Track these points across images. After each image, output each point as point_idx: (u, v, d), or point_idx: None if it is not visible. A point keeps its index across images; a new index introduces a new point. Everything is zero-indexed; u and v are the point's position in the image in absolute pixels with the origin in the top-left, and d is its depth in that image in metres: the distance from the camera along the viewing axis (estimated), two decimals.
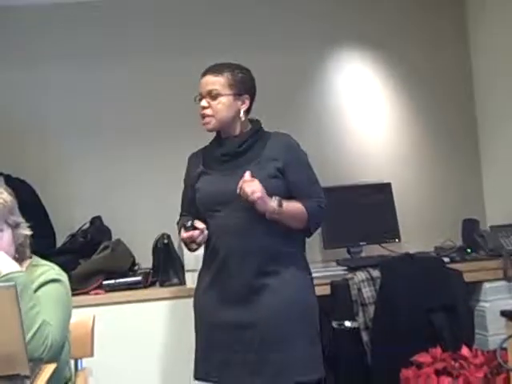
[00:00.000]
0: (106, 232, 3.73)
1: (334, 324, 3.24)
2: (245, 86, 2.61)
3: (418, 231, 3.95)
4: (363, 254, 3.76)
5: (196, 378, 2.65)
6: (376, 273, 3.30)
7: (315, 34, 4.04)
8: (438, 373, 2.94)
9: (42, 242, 2.48)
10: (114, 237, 3.71)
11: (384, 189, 3.93)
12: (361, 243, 3.78)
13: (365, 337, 3.23)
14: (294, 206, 2.54)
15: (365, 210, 3.85)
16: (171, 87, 3.91)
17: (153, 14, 3.99)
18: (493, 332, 3.33)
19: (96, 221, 3.73)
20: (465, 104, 4.17)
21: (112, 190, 3.88)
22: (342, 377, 3.29)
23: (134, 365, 3.23)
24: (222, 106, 2.58)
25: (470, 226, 3.79)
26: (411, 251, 3.52)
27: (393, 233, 3.85)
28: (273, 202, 2.47)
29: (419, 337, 3.13)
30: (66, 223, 3.72)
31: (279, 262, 2.54)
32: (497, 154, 3.99)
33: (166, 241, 3.54)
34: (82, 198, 3.83)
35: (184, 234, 2.52)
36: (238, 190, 2.44)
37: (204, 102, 2.59)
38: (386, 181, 3.96)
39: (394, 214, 3.88)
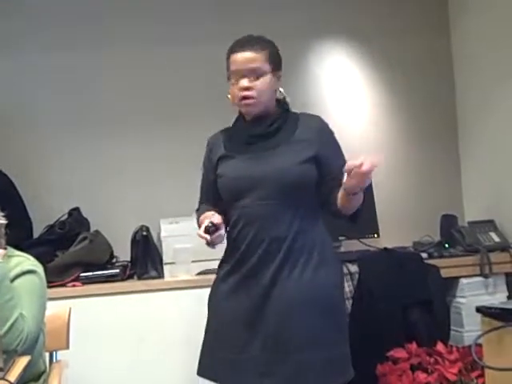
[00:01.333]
0: (84, 223, 3.71)
1: None
2: (279, 61, 2.44)
3: (397, 226, 3.96)
4: (342, 249, 3.77)
5: (199, 374, 2.44)
6: (354, 268, 3.31)
7: (298, 26, 4.02)
8: (413, 368, 2.96)
9: (18, 232, 2.47)
10: (93, 228, 3.69)
11: None
12: (340, 238, 3.79)
13: None
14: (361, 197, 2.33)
15: None
16: (155, 78, 3.91)
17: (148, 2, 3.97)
18: (468, 328, 3.35)
19: (74, 212, 3.71)
20: (445, 100, 4.18)
21: (91, 180, 3.86)
22: None
23: (110, 357, 3.22)
24: (267, 85, 2.36)
25: (448, 222, 3.81)
26: (389, 246, 3.53)
27: (372, 228, 3.85)
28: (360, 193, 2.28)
29: (395, 332, 3.14)
30: (44, 214, 3.69)
31: (310, 252, 2.34)
32: (476, 150, 4.01)
33: (144, 233, 3.52)
34: (61, 189, 3.81)
35: (202, 234, 2.30)
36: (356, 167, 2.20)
37: (245, 82, 2.33)
38: None
39: (373, 209, 3.88)
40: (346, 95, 4.16)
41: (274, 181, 2.32)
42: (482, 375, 2.82)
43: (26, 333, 2.14)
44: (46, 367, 2.42)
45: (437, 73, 4.18)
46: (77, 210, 3.71)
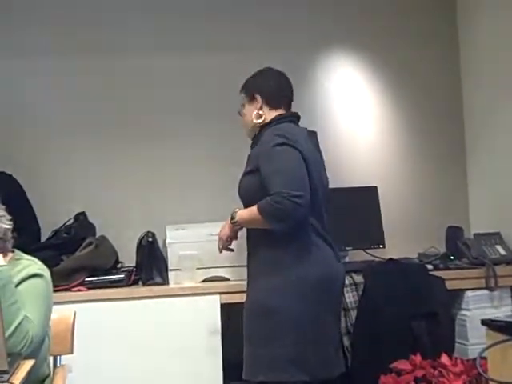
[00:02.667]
0: (90, 228, 3.72)
1: None
2: (253, 86, 2.79)
3: (403, 237, 3.95)
4: (347, 259, 3.76)
5: None
6: (359, 278, 3.30)
7: (306, 39, 4.04)
8: (417, 380, 2.94)
9: (26, 236, 2.47)
10: (99, 233, 3.69)
11: (370, 192, 3.93)
12: (346, 248, 3.78)
13: (346, 341, 3.23)
14: (249, 212, 2.62)
15: (350, 213, 3.85)
16: (162, 83, 3.91)
17: (152, 9, 3.98)
18: (473, 341, 3.34)
19: (80, 217, 3.71)
20: (453, 111, 4.18)
21: (98, 185, 3.86)
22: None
23: (113, 363, 3.21)
24: (244, 118, 2.80)
25: (454, 234, 3.80)
26: (395, 257, 3.53)
27: (377, 239, 3.85)
28: (228, 220, 2.74)
29: (399, 343, 3.13)
30: (51, 218, 3.69)
31: (257, 263, 2.68)
32: (483, 163, 4.00)
33: (150, 239, 3.52)
34: (67, 194, 3.81)
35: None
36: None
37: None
38: (372, 184, 3.97)
39: (379, 220, 3.88)
40: (353, 107, 4.16)
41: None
42: None
43: (31, 336, 2.15)
44: (50, 371, 2.42)
45: (445, 85, 4.18)
46: (83, 214, 3.72)
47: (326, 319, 2.62)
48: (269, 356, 2.54)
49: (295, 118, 2.81)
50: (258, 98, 2.73)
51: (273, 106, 2.75)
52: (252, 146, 2.75)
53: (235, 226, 2.74)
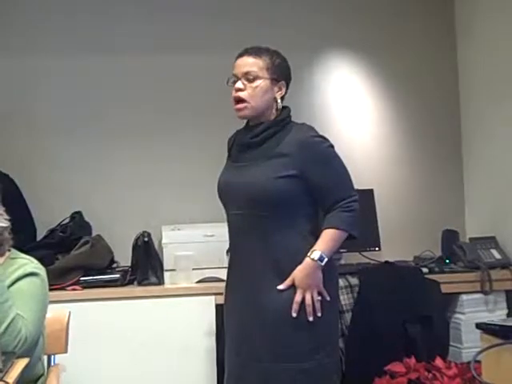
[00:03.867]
0: (86, 227, 3.71)
1: None
2: (282, 71, 2.46)
3: (398, 240, 3.95)
4: (342, 262, 3.76)
5: None
6: (354, 280, 3.31)
7: (303, 40, 4.03)
8: (411, 383, 2.95)
9: (22, 235, 2.46)
10: (94, 233, 3.69)
11: (366, 195, 3.93)
12: (341, 250, 3.78)
13: (340, 343, 3.23)
14: (329, 239, 2.35)
15: None
16: (159, 82, 3.91)
17: (152, 8, 3.97)
18: (467, 344, 3.35)
19: (76, 216, 3.71)
20: (449, 114, 4.19)
21: (94, 185, 3.86)
22: None
23: (108, 363, 3.21)
24: (260, 90, 2.40)
25: (449, 237, 3.81)
26: (390, 260, 3.53)
27: (373, 242, 3.85)
28: (318, 269, 2.33)
29: (394, 346, 3.14)
30: (46, 217, 3.69)
31: (276, 267, 2.36)
32: (479, 167, 4.01)
33: (146, 239, 3.52)
34: (63, 193, 3.80)
35: None
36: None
37: (240, 84, 2.41)
38: (368, 187, 3.97)
39: (375, 222, 3.88)
40: (350, 109, 4.16)
41: (244, 194, 2.39)
42: None
43: (25, 334, 2.14)
44: (44, 370, 2.42)
45: (442, 88, 4.18)
46: (79, 214, 3.71)
47: None
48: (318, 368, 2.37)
49: None
50: (284, 89, 2.47)
51: (283, 99, 2.50)
52: (255, 141, 2.43)
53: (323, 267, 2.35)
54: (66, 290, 3.32)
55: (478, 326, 2.46)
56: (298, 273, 2.32)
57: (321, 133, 2.36)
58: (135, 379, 3.23)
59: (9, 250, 2.34)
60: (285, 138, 2.40)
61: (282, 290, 2.34)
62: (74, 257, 3.45)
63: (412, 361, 3.04)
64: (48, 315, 2.38)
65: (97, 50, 3.88)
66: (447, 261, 3.68)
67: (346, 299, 3.27)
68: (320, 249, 2.33)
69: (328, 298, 2.37)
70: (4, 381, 1.82)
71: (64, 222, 3.68)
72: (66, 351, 2.60)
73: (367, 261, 3.75)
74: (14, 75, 3.84)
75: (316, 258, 2.32)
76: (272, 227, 2.36)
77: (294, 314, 2.31)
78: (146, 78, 3.92)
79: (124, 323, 3.27)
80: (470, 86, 4.10)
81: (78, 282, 3.37)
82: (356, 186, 3.89)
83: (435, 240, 3.83)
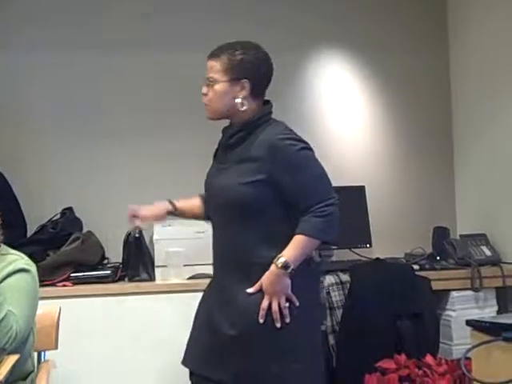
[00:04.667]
0: (76, 223, 3.70)
1: None
2: (243, 68, 2.34)
3: (389, 237, 3.96)
4: (334, 258, 3.76)
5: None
6: (345, 277, 3.31)
7: (296, 38, 4.03)
8: (401, 380, 2.96)
9: (12, 231, 2.45)
10: (85, 229, 3.68)
11: (357, 192, 3.94)
12: (332, 247, 3.78)
13: (331, 340, 3.24)
14: (297, 246, 2.29)
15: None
16: (154, 80, 3.89)
17: (150, 6, 3.96)
18: (457, 341, 3.36)
19: (67, 212, 3.69)
20: (440, 112, 4.20)
21: (85, 181, 3.85)
22: None
23: (98, 359, 3.20)
24: (215, 94, 2.35)
25: (440, 234, 3.82)
26: (381, 257, 3.54)
27: (364, 238, 3.86)
28: (283, 276, 2.27)
29: (384, 343, 3.14)
30: (37, 213, 3.67)
31: (245, 270, 2.32)
32: (470, 164, 4.02)
33: (137, 235, 3.51)
34: (54, 189, 3.78)
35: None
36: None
37: (204, 89, 2.40)
38: (359, 184, 3.97)
39: (366, 219, 3.89)
40: (343, 107, 4.16)
41: (218, 198, 2.39)
42: None
43: (16, 331, 2.14)
44: (34, 367, 2.41)
45: (434, 86, 4.19)
46: (70, 210, 3.70)
47: None
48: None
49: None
50: (247, 85, 2.35)
51: (256, 95, 2.39)
52: (230, 143, 2.40)
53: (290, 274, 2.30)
54: (56, 286, 3.31)
55: (468, 322, 2.48)
56: (265, 279, 2.29)
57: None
58: (125, 375, 3.22)
59: None
60: (256, 141, 2.34)
61: (251, 294, 2.30)
62: (65, 253, 3.44)
63: (402, 357, 3.04)
64: (38, 311, 2.38)
65: (92, 46, 3.86)
66: (438, 258, 3.68)
67: (336, 296, 3.28)
68: (286, 255, 2.27)
69: (297, 304, 2.32)
70: None
71: (55, 218, 3.66)
72: (56, 347, 2.60)
73: (358, 258, 3.76)
74: (5, 70, 3.81)
75: (280, 265, 2.26)
76: (239, 230, 2.34)
77: (261, 320, 2.27)
78: (142, 75, 3.91)
79: (115, 319, 3.27)
80: (461, 83, 4.11)
81: (68, 278, 3.36)
82: (347, 183, 3.96)
83: (426, 237, 3.84)
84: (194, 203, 2.63)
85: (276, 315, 2.28)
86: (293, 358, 2.31)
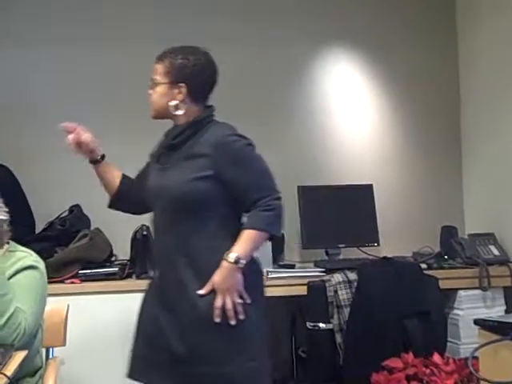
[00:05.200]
0: (84, 220, 3.71)
1: (309, 325, 3.25)
2: (181, 73, 2.41)
3: (397, 235, 3.96)
4: (341, 257, 3.77)
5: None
6: (353, 275, 3.31)
7: (304, 35, 4.04)
8: (408, 378, 2.95)
9: (20, 228, 2.46)
10: (93, 226, 3.69)
11: (365, 190, 3.94)
12: (339, 245, 3.79)
13: (338, 338, 3.24)
14: (247, 240, 2.31)
15: (345, 211, 3.87)
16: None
17: (151, 3, 3.97)
18: (465, 340, 3.35)
19: (75, 209, 3.70)
20: (450, 112, 4.19)
21: (93, 178, 3.83)
22: (314, 377, 3.31)
23: (106, 356, 3.20)
24: (155, 95, 2.45)
25: (448, 233, 3.81)
26: (389, 255, 3.53)
27: (372, 237, 3.86)
28: (235, 271, 2.29)
29: (392, 341, 3.14)
30: (45, 210, 3.68)
31: (196, 268, 2.33)
32: (478, 163, 4.01)
33: (145, 232, 3.51)
34: (62, 186, 3.80)
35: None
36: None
37: (150, 90, 2.49)
38: (367, 182, 3.97)
39: (374, 218, 3.89)
40: (350, 104, 4.16)
41: (165, 197, 2.38)
42: None
43: (24, 327, 2.14)
44: (42, 363, 2.42)
45: (442, 85, 4.19)
46: (78, 207, 3.71)
47: None
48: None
49: None
50: (184, 90, 2.41)
51: (196, 99, 2.45)
52: (175, 143, 2.43)
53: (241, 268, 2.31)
54: (64, 283, 3.32)
55: (476, 322, 2.47)
56: (216, 277, 2.29)
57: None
58: None
59: (7, 243, 2.34)
60: (202, 139, 2.39)
61: (201, 295, 2.29)
62: (73, 250, 3.45)
63: (410, 356, 3.04)
64: (47, 308, 2.39)
65: (97, 40, 3.87)
66: (446, 257, 3.68)
67: (344, 294, 3.27)
68: (236, 250, 2.29)
69: (248, 301, 2.33)
70: (2, 373, 1.82)
71: (63, 215, 3.67)
72: (64, 344, 2.61)
73: (366, 256, 3.76)
74: (11, 65, 3.83)
75: (231, 260, 2.28)
76: (190, 228, 2.34)
77: (217, 320, 2.27)
78: (146, 72, 3.90)
79: (122, 316, 3.27)
80: (470, 81, 4.10)
81: (76, 275, 3.37)
82: (355, 181, 3.96)
83: (434, 236, 3.83)
84: (116, 174, 2.64)
85: (230, 312, 2.28)
86: (248, 356, 2.32)
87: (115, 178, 2.63)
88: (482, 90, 3.94)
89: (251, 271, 2.37)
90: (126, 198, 2.61)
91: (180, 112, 2.42)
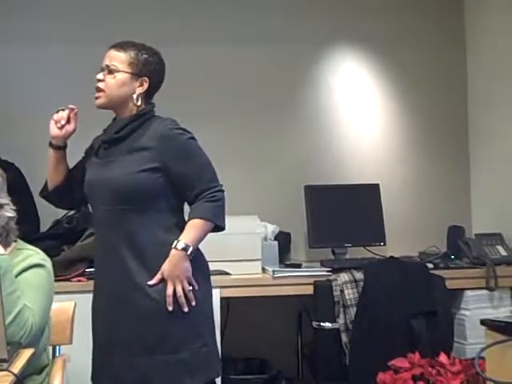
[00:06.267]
0: (91, 219, 3.70)
1: (314, 324, 3.25)
2: (147, 68, 2.46)
3: (404, 235, 3.96)
4: (348, 256, 3.76)
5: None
6: (359, 275, 3.30)
7: (311, 34, 4.04)
8: (415, 378, 2.95)
9: (26, 226, 2.46)
10: None
11: (372, 189, 3.94)
12: (346, 245, 3.79)
13: (344, 338, 3.24)
14: (193, 229, 2.38)
15: (352, 211, 3.86)
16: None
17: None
18: (471, 341, 3.34)
19: (82, 207, 3.70)
20: (457, 109, 4.18)
21: None
22: (320, 376, 3.31)
23: None
24: (115, 82, 2.44)
25: (455, 233, 3.80)
26: (395, 255, 3.53)
27: (378, 236, 3.86)
28: (184, 259, 2.35)
29: (398, 341, 3.14)
30: (51, 208, 3.67)
31: (140, 259, 2.37)
32: (486, 163, 4.01)
33: None
34: None
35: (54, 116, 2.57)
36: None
37: (100, 75, 2.46)
38: (374, 182, 3.97)
39: (380, 217, 3.88)
40: (358, 103, 4.16)
41: (108, 190, 2.39)
42: None
43: (31, 325, 2.15)
44: (49, 361, 2.42)
45: (450, 84, 4.18)
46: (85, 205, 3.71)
47: None
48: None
49: None
50: (145, 84, 2.46)
51: (149, 95, 2.52)
52: (118, 136, 2.45)
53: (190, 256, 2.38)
54: (71, 281, 3.32)
55: (483, 322, 2.46)
56: (166, 266, 2.34)
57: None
58: None
59: (15, 241, 2.34)
60: (146, 132, 2.43)
61: (151, 285, 2.34)
62: (80, 248, 3.45)
63: (416, 356, 3.03)
64: (53, 306, 2.39)
65: (104, 38, 3.85)
66: (452, 257, 3.67)
67: (350, 294, 3.27)
68: (184, 238, 2.35)
69: (196, 287, 2.39)
70: (9, 371, 1.83)
71: (70, 214, 3.67)
72: (71, 342, 2.60)
73: (372, 256, 3.76)
74: (18, 63, 3.84)
75: (180, 248, 2.34)
76: (137, 221, 2.38)
77: (170, 308, 2.33)
78: None
79: None
80: (478, 80, 4.09)
81: (83, 274, 3.37)
82: (362, 181, 3.96)
83: (441, 236, 3.82)
84: (66, 168, 2.63)
85: (182, 299, 2.33)
86: (202, 341, 2.39)
87: (64, 171, 2.63)
88: (490, 88, 3.93)
89: (195, 257, 2.41)
90: (63, 192, 2.62)
91: (138, 104, 2.45)
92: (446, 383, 2.88)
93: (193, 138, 2.47)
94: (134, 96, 2.45)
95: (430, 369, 2.97)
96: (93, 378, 2.53)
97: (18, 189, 3.40)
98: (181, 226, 2.41)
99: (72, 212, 3.67)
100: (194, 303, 2.36)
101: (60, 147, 2.61)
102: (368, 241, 3.85)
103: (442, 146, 4.14)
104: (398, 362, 3.02)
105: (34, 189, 3.66)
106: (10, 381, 1.77)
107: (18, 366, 1.90)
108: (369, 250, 3.82)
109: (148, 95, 2.50)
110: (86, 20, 3.88)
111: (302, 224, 3.83)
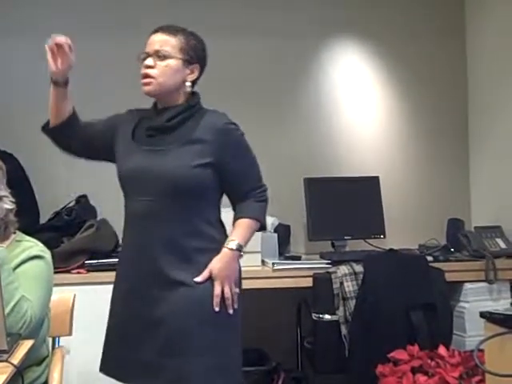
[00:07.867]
0: (91, 211, 3.72)
1: (314, 316, 3.25)
2: (197, 54, 2.34)
3: (403, 228, 3.96)
4: (347, 249, 3.77)
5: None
6: (359, 268, 3.31)
7: (311, 26, 4.04)
8: (414, 370, 2.95)
9: (25, 218, 2.46)
10: (100, 217, 3.69)
11: (372, 182, 3.94)
12: (345, 237, 3.79)
13: (344, 330, 3.24)
14: (245, 229, 2.31)
15: (352, 203, 3.86)
16: None
17: None
18: (471, 333, 3.35)
19: (82, 199, 3.71)
20: (457, 104, 4.18)
21: (100, 169, 3.83)
22: (319, 368, 3.32)
23: None
24: (169, 69, 2.28)
25: (454, 226, 3.81)
26: (395, 247, 3.53)
27: (378, 229, 3.86)
28: (236, 259, 2.28)
29: (397, 333, 3.14)
30: (52, 200, 3.69)
31: (190, 257, 2.24)
32: (486, 155, 4.01)
33: None
34: (69, 176, 3.80)
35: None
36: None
37: (150, 61, 2.28)
38: (374, 174, 3.96)
39: (380, 210, 3.88)
40: (358, 95, 4.16)
41: (160, 181, 2.24)
42: (482, 381, 2.81)
43: (30, 316, 2.15)
44: (48, 352, 2.43)
45: (450, 76, 4.18)
46: (85, 197, 3.72)
47: None
48: (226, 366, 2.26)
49: None
50: (196, 70, 2.35)
51: (196, 82, 2.39)
52: (170, 125, 2.31)
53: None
54: (70, 273, 3.33)
55: (482, 314, 2.46)
56: (216, 264, 2.24)
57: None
58: None
59: (14, 233, 2.34)
60: (199, 124, 2.30)
61: (197, 283, 2.22)
62: (79, 240, 3.46)
63: (415, 348, 3.04)
64: (53, 298, 2.39)
65: (108, 31, 3.87)
66: (452, 249, 3.67)
67: (350, 286, 3.27)
68: (237, 238, 2.28)
69: (238, 291, 2.30)
70: (9, 362, 1.83)
71: (69, 206, 3.68)
72: (70, 334, 2.61)
73: (372, 248, 3.76)
74: (18, 53, 3.83)
75: (234, 248, 2.26)
76: (184, 215, 2.25)
77: (217, 309, 2.22)
78: None
79: None
80: (478, 74, 4.08)
81: (83, 266, 3.38)
82: (362, 173, 3.96)
83: (440, 228, 3.83)
84: (70, 106, 2.54)
85: (229, 301, 2.25)
86: (239, 347, 2.31)
87: (68, 108, 2.52)
88: (490, 81, 3.93)
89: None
90: (70, 130, 2.51)
91: (189, 92, 2.33)
92: (444, 375, 2.88)
93: (243, 134, 2.37)
94: (187, 84, 2.33)
95: (429, 361, 2.98)
96: (112, 373, 2.38)
97: (18, 180, 3.40)
98: (220, 221, 2.34)
99: (71, 204, 3.68)
100: (236, 306, 2.27)
101: (59, 83, 2.47)
102: (368, 233, 3.85)
103: (441, 138, 4.14)
104: (398, 354, 3.03)
105: (34, 180, 3.67)
106: (9, 372, 1.78)
107: (17, 357, 1.90)
108: (368, 243, 3.82)
109: (195, 82, 2.38)
110: (86, 12, 3.86)
111: (301, 216, 3.83)
